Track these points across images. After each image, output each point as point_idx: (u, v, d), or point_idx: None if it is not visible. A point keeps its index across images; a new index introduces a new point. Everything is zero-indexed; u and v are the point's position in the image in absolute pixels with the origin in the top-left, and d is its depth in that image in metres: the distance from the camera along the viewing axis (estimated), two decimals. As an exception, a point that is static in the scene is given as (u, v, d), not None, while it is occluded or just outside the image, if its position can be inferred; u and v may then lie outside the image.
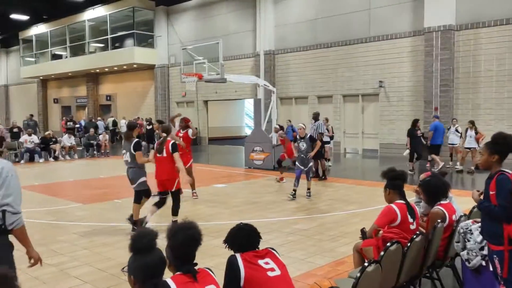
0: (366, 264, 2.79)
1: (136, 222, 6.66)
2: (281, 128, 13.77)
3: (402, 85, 16.58)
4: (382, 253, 3.14)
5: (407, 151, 12.97)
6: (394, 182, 3.97)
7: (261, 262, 2.75)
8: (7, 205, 2.76)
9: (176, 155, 6.59)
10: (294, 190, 9.09)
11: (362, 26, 17.41)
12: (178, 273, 2.42)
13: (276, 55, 20.40)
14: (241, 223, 3.06)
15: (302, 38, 19.29)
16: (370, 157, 17.18)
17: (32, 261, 2.99)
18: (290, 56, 19.88)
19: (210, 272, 2.56)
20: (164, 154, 6.67)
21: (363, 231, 4.22)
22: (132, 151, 6.66)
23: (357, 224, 6.96)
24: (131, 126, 7.06)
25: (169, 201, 6.89)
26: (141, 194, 6.81)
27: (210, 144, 24.09)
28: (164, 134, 6.83)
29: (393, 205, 3.92)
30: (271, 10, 20.25)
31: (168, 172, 6.65)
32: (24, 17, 28.52)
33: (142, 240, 2.26)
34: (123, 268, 2.34)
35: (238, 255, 2.76)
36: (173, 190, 6.72)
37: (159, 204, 6.77)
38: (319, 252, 5.72)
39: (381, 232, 3.85)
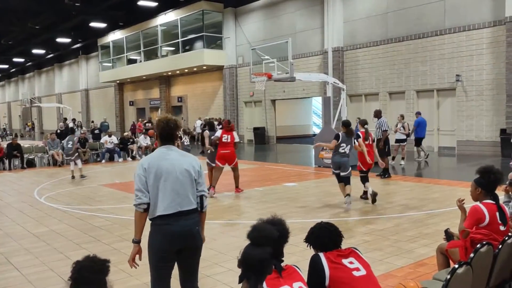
0: (456, 266, 2.67)
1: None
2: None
3: (481, 79, 15.64)
4: (472, 254, 2.99)
5: None
6: (488, 181, 3.72)
7: (345, 261, 2.73)
8: (203, 191, 3.39)
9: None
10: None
11: (436, 18, 16.64)
12: None
13: (345, 52, 20.06)
14: (322, 221, 3.05)
15: (372, 33, 18.81)
16: (447, 155, 16.38)
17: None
18: (359, 52, 19.46)
19: (297, 269, 2.57)
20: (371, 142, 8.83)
21: (447, 232, 4.05)
22: (355, 142, 8.41)
23: (436, 225, 6.69)
24: (349, 124, 8.56)
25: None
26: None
27: (278, 143, 24.20)
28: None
29: (480, 205, 3.70)
30: (339, 6, 19.93)
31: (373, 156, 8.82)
32: (102, 25, 30.37)
33: (254, 234, 2.32)
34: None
35: (321, 255, 2.75)
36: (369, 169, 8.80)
37: (366, 179, 8.70)
38: (397, 253, 5.56)
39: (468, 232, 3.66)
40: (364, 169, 8.70)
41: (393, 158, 13.92)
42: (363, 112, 19.00)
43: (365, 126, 8.97)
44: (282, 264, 2.53)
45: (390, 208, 8.08)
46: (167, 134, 3.32)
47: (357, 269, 2.70)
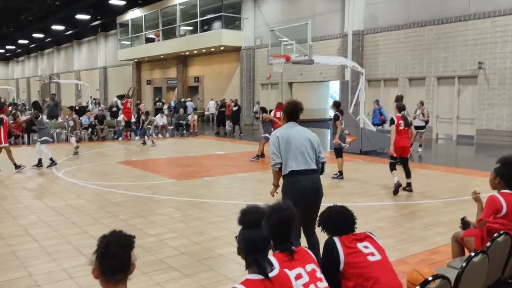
0: (472, 254, 2.65)
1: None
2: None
3: (504, 67, 15.27)
4: (488, 243, 2.96)
5: None
6: (509, 172, 3.64)
7: (360, 245, 2.72)
8: (323, 159, 4.29)
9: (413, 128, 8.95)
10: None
11: (461, 3, 16.22)
12: (277, 251, 2.48)
13: (365, 35, 19.73)
14: (336, 205, 3.04)
15: (394, 17, 18.44)
16: (466, 143, 16.15)
17: None
18: (380, 36, 19.12)
19: (309, 251, 2.58)
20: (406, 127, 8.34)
21: (464, 220, 4.01)
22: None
23: (452, 213, 6.63)
24: (339, 104, 9.97)
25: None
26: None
27: (294, 126, 24.05)
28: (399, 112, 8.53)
29: (497, 195, 3.66)
30: (361, -12, 19.54)
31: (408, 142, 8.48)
32: (121, 3, 30.24)
33: (248, 217, 2.33)
34: (236, 236, 2.43)
35: (336, 239, 2.75)
36: (408, 156, 8.52)
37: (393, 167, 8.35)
38: (411, 240, 5.55)
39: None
40: (395, 155, 8.29)
41: (411, 145, 13.75)
42: (382, 97, 18.76)
43: (402, 112, 8.53)
44: (276, 271, 2.48)
45: (406, 196, 8.03)
46: (295, 114, 4.30)
47: (372, 254, 2.69)
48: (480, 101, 16.02)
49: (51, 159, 10.97)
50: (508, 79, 15.22)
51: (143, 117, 17.53)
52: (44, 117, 11.38)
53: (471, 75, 16.22)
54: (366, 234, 2.84)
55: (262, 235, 2.29)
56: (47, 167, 10.95)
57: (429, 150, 14.59)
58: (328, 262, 2.71)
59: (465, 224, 4.02)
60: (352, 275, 2.63)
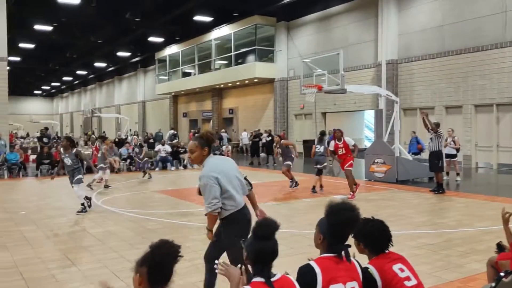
0: (502, 274, 2.61)
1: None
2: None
3: (545, 93, 14.84)
4: (521, 266, 2.90)
5: None
6: None
7: (395, 268, 2.66)
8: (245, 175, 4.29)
9: None
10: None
11: (496, 30, 16.02)
12: (325, 255, 2.51)
13: (399, 64, 19.70)
14: (374, 218, 2.99)
15: (428, 46, 18.38)
16: (507, 172, 15.59)
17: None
18: (414, 64, 19.05)
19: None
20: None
21: (499, 245, 3.91)
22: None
23: (490, 241, 6.40)
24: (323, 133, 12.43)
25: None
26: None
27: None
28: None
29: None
30: (394, 18, 19.66)
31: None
32: (160, 39, 31.58)
33: (263, 229, 2.40)
34: (243, 240, 2.49)
35: (372, 267, 2.69)
36: None
37: None
38: (446, 267, 5.40)
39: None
40: None
41: (447, 174, 13.45)
42: (418, 126, 18.51)
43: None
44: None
45: (443, 224, 7.84)
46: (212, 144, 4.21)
47: (408, 279, 2.62)
48: (521, 128, 15.54)
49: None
50: (549, 106, 14.76)
51: (137, 149, 17.08)
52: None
53: (509, 102, 15.83)
54: (398, 255, 2.80)
55: (272, 248, 2.37)
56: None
57: (469, 179, 14.17)
58: None
59: (500, 248, 3.92)
60: None
